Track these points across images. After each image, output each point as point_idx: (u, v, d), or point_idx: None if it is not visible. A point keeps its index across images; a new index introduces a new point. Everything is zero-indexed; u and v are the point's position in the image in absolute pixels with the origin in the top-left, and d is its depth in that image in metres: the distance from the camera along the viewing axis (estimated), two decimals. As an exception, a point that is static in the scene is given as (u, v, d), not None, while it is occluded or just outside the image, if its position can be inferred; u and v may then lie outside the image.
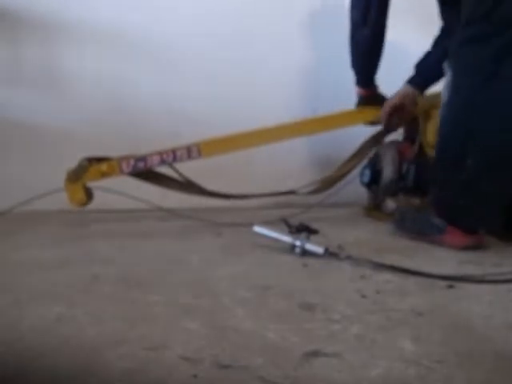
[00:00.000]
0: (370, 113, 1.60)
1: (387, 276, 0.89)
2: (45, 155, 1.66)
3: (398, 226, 1.30)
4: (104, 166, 1.39)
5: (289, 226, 1.07)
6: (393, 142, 1.58)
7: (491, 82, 1.08)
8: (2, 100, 1.63)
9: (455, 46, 1.16)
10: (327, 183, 1.64)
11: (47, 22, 1.66)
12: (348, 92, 1.62)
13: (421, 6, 1.47)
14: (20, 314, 0.67)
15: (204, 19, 1.77)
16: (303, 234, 1.04)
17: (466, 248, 1.12)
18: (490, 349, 0.58)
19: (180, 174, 1.45)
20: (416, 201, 1.47)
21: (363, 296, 0.77)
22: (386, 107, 1.52)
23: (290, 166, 1.91)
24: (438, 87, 1.35)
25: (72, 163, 1.40)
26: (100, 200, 1.44)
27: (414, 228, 1.24)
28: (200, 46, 1.78)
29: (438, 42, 1.49)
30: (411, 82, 1.51)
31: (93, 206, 1.44)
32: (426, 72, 1.48)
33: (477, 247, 1.13)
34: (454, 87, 1.15)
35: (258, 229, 1.08)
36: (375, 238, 1.30)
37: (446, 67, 1.18)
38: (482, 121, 1.10)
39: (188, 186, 1.48)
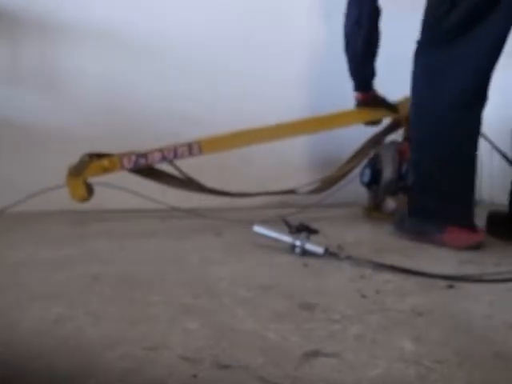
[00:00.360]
0: (370, 113, 1.60)
1: (387, 276, 0.89)
2: (44, 155, 1.65)
3: (398, 226, 1.30)
4: (106, 162, 1.39)
5: (289, 225, 1.07)
6: (393, 142, 1.58)
7: (445, 79, 1.14)
8: (1, 100, 1.63)
9: (416, 50, 1.22)
10: (327, 183, 1.64)
11: (45, 21, 1.66)
12: (349, 92, 1.62)
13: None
14: (20, 315, 0.67)
15: (204, 19, 1.77)
16: (303, 234, 1.04)
17: (466, 247, 1.12)
18: (489, 349, 0.58)
19: (180, 171, 1.45)
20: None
21: (363, 296, 0.77)
22: None
23: (290, 165, 1.91)
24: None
25: (71, 163, 1.40)
26: (100, 200, 1.44)
27: (413, 228, 1.24)
28: (200, 45, 1.78)
29: None
30: None
31: (93, 205, 1.44)
32: None
33: (477, 246, 1.13)
34: (415, 89, 1.23)
35: (258, 229, 1.08)
36: (375, 238, 1.30)
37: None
38: (434, 119, 1.16)
39: (188, 183, 1.48)
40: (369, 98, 1.57)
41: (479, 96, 1.13)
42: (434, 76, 1.16)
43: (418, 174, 1.23)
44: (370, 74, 1.52)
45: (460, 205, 1.16)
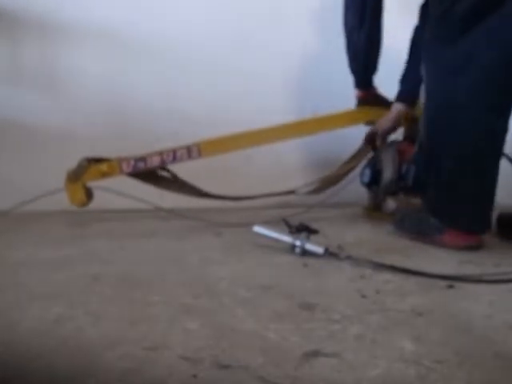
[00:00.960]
0: (370, 113, 1.60)
1: (387, 276, 0.89)
2: (44, 155, 1.65)
3: (398, 226, 1.30)
4: (104, 166, 1.39)
5: (289, 226, 1.07)
6: (393, 142, 1.58)
7: (457, 77, 1.09)
8: (1, 100, 1.63)
9: (425, 47, 1.19)
10: (327, 183, 1.64)
11: (45, 21, 1.66)
12: (348, 92, 1.62)
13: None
14: (19, 315, 0.67)
15: (204, 19, 1.77)
16: (303, 234, 1.04)
17: (466, 248, 1.12)
18: (489, 349, 0.58)
19: (175, 178, 1.45)
20: (416, 201, 1.46)
21: (363, 296, 0.77)
22: (382, 132, 1.54)
23: (290, 166, 1.91)
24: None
25: (71, 163, 1.40)
26: (100, 200, 1.44)
27: (413, 228, 1.24)
28: (200, 45, 1.78)
29: (413, 51, 1.47)
30: (400, 99, 1.50)
31: (93, 206, 1.44)
32: (411, 85, 1.45)
33: (477, 247, 1.13)
34: (428, 88, 1.18)
35: (257, 229, 1.08)
36: (375, 238, 1.30)
37: (422, 69, 1.19)
38: (452, 119, 1.11)
39: (187, 188, 1.48)
40: (369, 95, 1.57)
41: (494, 96, 1.08)
42: (444, 74, 1.12)
43: (419, 171, 1.22)
44: (372, 71, 1.51)
45: (460, 206, 1.14)
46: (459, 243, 1.13)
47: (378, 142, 1.54)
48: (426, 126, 1.21)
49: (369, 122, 1.63)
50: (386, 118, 1.52)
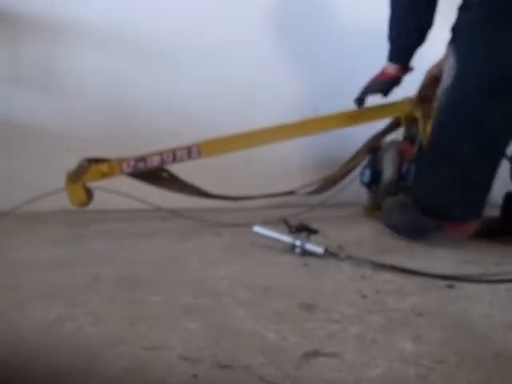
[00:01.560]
0: (370, 113, 1.59)
1: (387, 276, 0.89)
2: (44, 155, 1.65)
3: (387, 222, 1.30)
4: (104, 167, 1.39)
5: (289, 226, 1.07)
6: (393, 143, 1.58)
7: (490, 63, 1.08)
8: (1, 100, 1.63)
9: (456, 29, 1.16)
10: (327, 183, 1.64)
11: (45, 21, 1.66)
12: (348, 92, 1.62)
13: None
14: (20, 314, 0.67)
15: (204, 19, 1.77)
16: (303, 234, 1.04)
17: (465, 236, 1.13)
18: (490, 349, 0.58)
19: (175, 178, 1.45)
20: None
21: (363, 296, 0.77)
22: (428, 77, 1.48)
23: (290, 166, 1.91)
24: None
25: (71, 163, 1.40)
26: (100, 200, 1.44)
27: (409, 230, 1.23)
28: (200, 45, 1.78)
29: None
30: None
31: (93, 205, 1.44)
32: None
33: (475, 235, 1.15)
34: (457, 70, 1.15)
35: (257, 229, 1.08)
36: (375, 237, 1.30)
37: (449, 51, 1.18)
38: (482, 105, 1.10)
39: (187, 188, 1.48)
40: (399, 75, 1.43)
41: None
42: (468, 62, 1.11)
43: (456, 161, 1.19)
44: (417, 39, 1.33)
45: (459, 197, 1.14)
46: (461, 232, 1.14)
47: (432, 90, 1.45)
48: (451, 107, 1.17)
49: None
50: (436, 65, 1.47)
